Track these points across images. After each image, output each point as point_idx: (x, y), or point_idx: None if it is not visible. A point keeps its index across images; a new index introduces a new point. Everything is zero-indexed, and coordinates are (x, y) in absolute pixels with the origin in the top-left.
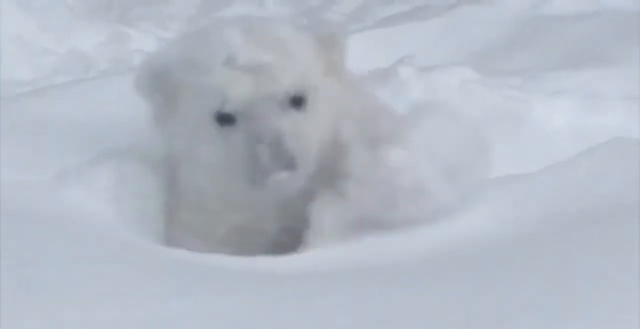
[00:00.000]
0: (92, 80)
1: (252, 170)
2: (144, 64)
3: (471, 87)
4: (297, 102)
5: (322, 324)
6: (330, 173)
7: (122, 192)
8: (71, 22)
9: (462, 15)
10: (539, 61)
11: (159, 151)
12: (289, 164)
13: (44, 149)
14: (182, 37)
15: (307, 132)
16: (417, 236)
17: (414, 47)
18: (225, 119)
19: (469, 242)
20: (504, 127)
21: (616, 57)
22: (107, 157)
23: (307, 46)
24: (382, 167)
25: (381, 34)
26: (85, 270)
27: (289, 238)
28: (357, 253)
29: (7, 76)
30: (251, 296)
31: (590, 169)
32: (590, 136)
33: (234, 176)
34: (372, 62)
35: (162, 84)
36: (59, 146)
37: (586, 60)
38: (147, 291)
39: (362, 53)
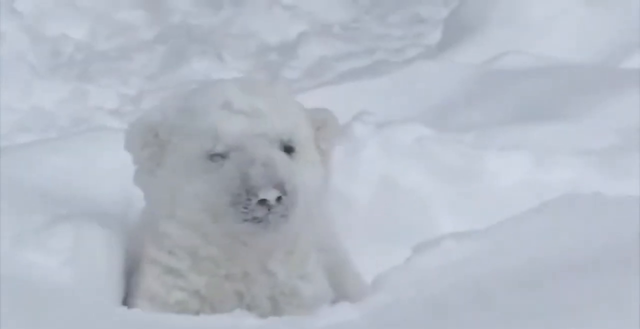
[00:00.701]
0: (49, 141)
1: (244, 192)
2: (137, 120)
3: (425, 144)
4: (288, 149)
5: None
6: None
7: (79, 254)
8: (33, 79)
9: (419, 70)
10: (493, 116)
11: (119, 215)
12: (279, 184)
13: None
14: (178, 93)
15: (296, 173)
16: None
17: (370, 103)
18: (217, 155)
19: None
20: (456, 184)
21: (569, 112)
22: (64, 220)
23: (300, 109)
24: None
25: (338, 90)
26: None
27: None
28: None
29: None
30: None
31: (539, 225)
32: (544, 191)
33: (225, 206)
34: None
35: (153, 137)
36: (16, 209)
37: (539, 116)
38: None
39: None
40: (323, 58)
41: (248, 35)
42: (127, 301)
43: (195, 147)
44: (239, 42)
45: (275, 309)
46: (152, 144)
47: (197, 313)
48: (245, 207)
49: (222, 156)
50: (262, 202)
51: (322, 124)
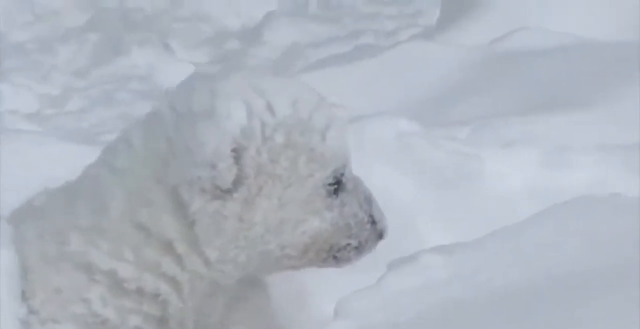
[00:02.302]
0: None
1: (376, 237)
2: (208, 125)
3: (408, 140)
4: None
5: None
6: None
7: None
8: None
9: (409, 54)
10: (494, 108)
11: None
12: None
13: None
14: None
15: None
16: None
17: (347, 94)
18: (335, 186)
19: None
20: (446, 189)
21: (587, 99)
22: None
23: None
24: None
25: (308, 79)
26: None
27: None
28: None
29: None
30: None
31: (541, 235)
32: (554, 197)
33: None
34: None
35: (240, 153)
36: None
37: (551, 105)
38: None
39: None
40: (295, 45)
41: (201, 19)
42: None
43: (318, 176)
44: (190, 27)
45: None
46: (243, 163)
47: None
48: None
49: (340, 186)
50: None
51: None
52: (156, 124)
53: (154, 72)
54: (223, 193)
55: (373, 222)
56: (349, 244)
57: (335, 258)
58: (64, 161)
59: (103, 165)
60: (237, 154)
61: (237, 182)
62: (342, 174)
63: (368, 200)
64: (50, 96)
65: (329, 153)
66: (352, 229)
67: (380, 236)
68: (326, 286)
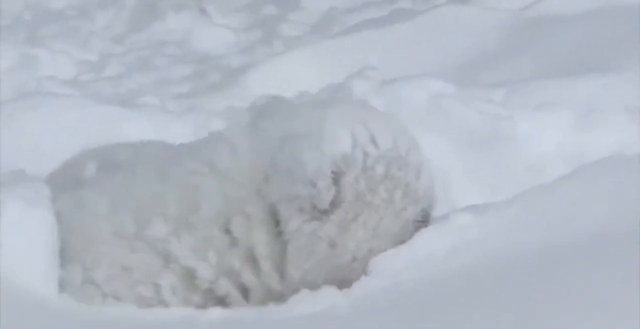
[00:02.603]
0: None
1: None
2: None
3: (442, 102)
4: None
5: None
6: None
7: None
8: None
9: (444, 17)
10: (528, 71)
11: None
12: None
13: None
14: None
15: None
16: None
17: (381, 57)
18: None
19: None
20: (481, 150)
21: (621, 63)
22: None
23: None
24: None
25: (344, 42)
26: None
27: None
28: None
29: None
30: None
31: (572, 194)
32: (586, 158)
33: None
34: (330, 76)
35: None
36: None
37: (585, 69)
38: None
39: (319, 66)
40: (332, 10)
41: None
42: None
43: (411, 211)
44: None
45: None
46: (341, 186)
47: None
48: None
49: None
50: None
51: None
52: (262, 138)
53: (190, 37)
54: (320, 214)
55: None
56: None
57: None
58: (101, 123)
59: (200, 160)
60: (337, 176)
61: (335, 204)
62: (430, 213)
63: None
64: (88, 62)
65: (422, 190)
66: None
67: None
68: None
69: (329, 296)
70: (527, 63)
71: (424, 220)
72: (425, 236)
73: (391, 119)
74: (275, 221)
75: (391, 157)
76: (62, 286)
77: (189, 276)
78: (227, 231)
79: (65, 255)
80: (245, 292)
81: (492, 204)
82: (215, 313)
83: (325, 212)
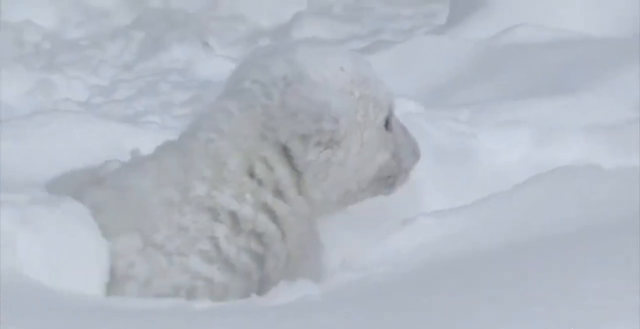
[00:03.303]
0: None
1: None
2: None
3: (412, 120)
4: None
5: None
6: None
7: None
8: None
9: (421, 47)
10: (493, 93)
11: None
12: None
13: None
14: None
15: None
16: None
17: None
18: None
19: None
20: (447, 164)
21: (578, 86)
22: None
23: None
24: None
25: None
26: None
27: None
28: None
29: None
30: None
31: (529, 199)
32: (544, 171)
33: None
34: None
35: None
36: None
37: (545, 91)
38: None
39: None
40: (320, 42)
41: (236, 19)
42: None
43: (380, 117)
44: (226, 26)
45: None
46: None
47: None
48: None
49: (389, 124)
50: None
51: None
52: (247, 94)
53: (192, 66)
54: (334, 144)
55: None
56: (398, 172)
57: (391, 185)
58: (107, 138)
59: (209, 130)
60: (347, 109)
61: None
62: (391, 114)
63: (405, 131)
64: (99, 86)
65: (384, 99)
66: (401, 155)
67: (417, 156)
68: (336, 243)
69: (304, 287)
70: (492, 86)
71: (387, 125)
72: (393, 236)
73: (341, 52)
74: (288, 156)
75: (359, 80)
76: (120, 255)
77: (235, 221)
78: (253, 175)
79: (118, 230)
80: (283, 226)
81: (455, 209)
82: (204, 303)
83: (338, 142)
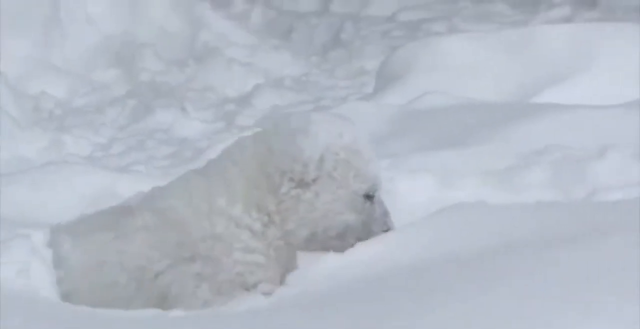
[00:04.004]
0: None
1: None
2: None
3: None
4: None
5: None
6: None
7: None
8: (15, 131)
9: (347, 112)
10: (409, 146)
11: None
12: None
13: None
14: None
15: None
16: None
17: None
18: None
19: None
20: None
21: (473, 140)
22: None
23: None
24: None
25: None
26: None
27: None
28: None
29: None
30: None
31: (427, 231)
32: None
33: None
34: None
35: None
36: None
37: (448, 144)
38: None
39: None
40: (275, 106)
41: (209, 89)
42: None
43: (360, 187)
44: (201, 95)
45: None
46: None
47: None
48: None
49: (370, 199)
50: None
51: None
52: (260, 136)
53: (173, 127)
54: (304, 184)
55: (386, 225)
56: (364, 238)
57: (352, 245)
58: (102, 183)
59: (227, 159)
60: (320, 160)
61: (315, 178)
62: (375, 191)
63: (385, 212)
64: (100, 144)
65: (369, 173)
66: (372, 227)
67: (387, 229)
68: None
69: (253, 299)
70: (407, 141)
71: (370, 196)
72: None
73: (354, 126)
74: (275, 188)
75: (351, 149)
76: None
77: (251, 229)
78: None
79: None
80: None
81: (376, 238)
82: (177, 312)
83: (307, 184)
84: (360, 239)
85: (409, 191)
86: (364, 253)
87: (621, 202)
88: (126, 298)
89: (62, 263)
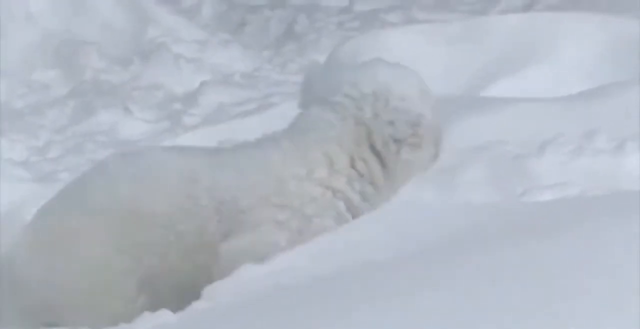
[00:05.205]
0: None
1: None
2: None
3: None
4: None
5: None
6: None
7: None
8: None
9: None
10: None
11: None
12: None
13: None
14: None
15: None
16: None
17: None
18: None
19: None
20: None
21: None
22: None
23: None
24: None
25: (228, 127)
26: None
27: None
28: None
29: None
30: None
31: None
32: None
33: None
34: None
35: None
36: None
37: None
38: None
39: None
40: (221, 104)
41: (154, 88)
42: None
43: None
44: (146, 94)
45: None
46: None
47: None
48: None
49: None
50: None
51: None
52: (341, 107)
53: (115, 128)
54: (419, 147)
55: None
56: None
57: None
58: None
59: (319, 134)
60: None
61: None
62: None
63: None
64: (36, 147)
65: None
66: None
67: None
68: None
69: (162, 315)
70: None
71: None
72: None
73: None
74: (380, 157)
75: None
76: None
77: (348, 201)
78: (355, 169)
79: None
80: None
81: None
82: None
83: (421, 146)
84: None
85: None
86: (283, 261)
87: (554, 202)
88: None
89: None
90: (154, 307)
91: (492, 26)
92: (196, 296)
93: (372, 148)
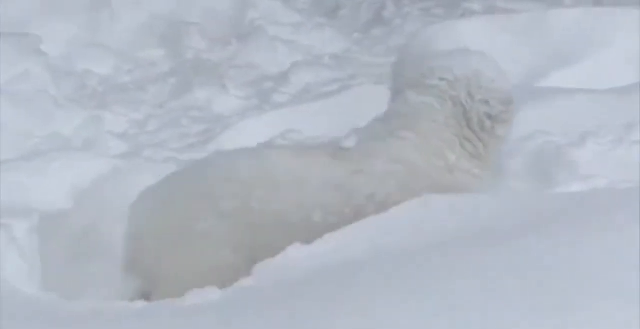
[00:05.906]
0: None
1: None
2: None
3: None
4: None
5: None
6: None
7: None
8: (54, 109)
9: (364, 93)
10: None
11: None
12: None
13: None
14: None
15: None
16: None
17: (310, 123)
18: None
19: None
20: None
21: None
22: None
23: None
24: None
25: (310, 107)
26: None
27: None
28: None
29: None
30: None
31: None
32: None
33: None
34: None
35: None
36: None
37: None
38: None
39: (295, 122)
40: (309, 84)
41: (250, 67)
42: None
43: None
44: (241, 72)
45: None
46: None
47: None
48: None
49: None
50: None
51: None
52: (436, 90)
53: (209, 104)
54: (509, 122)
55: None
56: None
57: None
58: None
59: (427, 121)
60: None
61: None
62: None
63: None
64: (137, 121)
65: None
66: None
67: None
68: None
69: (208, 292)
70: None
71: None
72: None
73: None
74: (478, 135)
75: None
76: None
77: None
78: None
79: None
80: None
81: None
82: (139, 304)
83: (505, 121)
84: None
85: None
86: (329, 242)
87: (585, 193)
88: None
89: None
90: None
91: (553, 19)
92: None
93: (469, 127)
